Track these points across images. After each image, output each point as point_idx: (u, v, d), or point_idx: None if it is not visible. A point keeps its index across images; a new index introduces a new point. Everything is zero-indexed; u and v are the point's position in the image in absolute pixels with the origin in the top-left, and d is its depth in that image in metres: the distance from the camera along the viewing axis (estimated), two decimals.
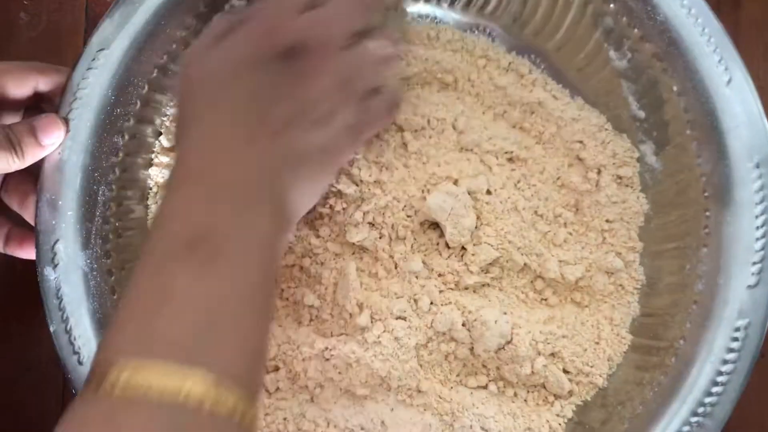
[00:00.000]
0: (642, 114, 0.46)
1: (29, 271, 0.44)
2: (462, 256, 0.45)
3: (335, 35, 0.41)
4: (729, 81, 0.42)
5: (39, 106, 0.46)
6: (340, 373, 0.43)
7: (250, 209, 0.37)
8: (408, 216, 0.45)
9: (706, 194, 0.43)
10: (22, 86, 0.45)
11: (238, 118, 0.39)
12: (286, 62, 0.39)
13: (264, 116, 0.39)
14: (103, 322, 0.43)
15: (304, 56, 0.40)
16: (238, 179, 0.37)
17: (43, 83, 0.45)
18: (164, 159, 0.47)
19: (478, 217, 0.44)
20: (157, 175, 0.47)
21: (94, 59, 0.44)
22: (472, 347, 0.44)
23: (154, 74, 0.46)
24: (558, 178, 0.46)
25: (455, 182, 0.45)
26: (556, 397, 0.45)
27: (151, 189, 0.48)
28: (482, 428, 0.43)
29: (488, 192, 0.45)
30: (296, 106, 0.39)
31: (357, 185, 0.44)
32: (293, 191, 0.39)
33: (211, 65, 0.40)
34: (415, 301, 0.44)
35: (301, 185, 0.40)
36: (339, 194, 0.44)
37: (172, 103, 0.47)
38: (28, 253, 0.46)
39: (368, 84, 0.42)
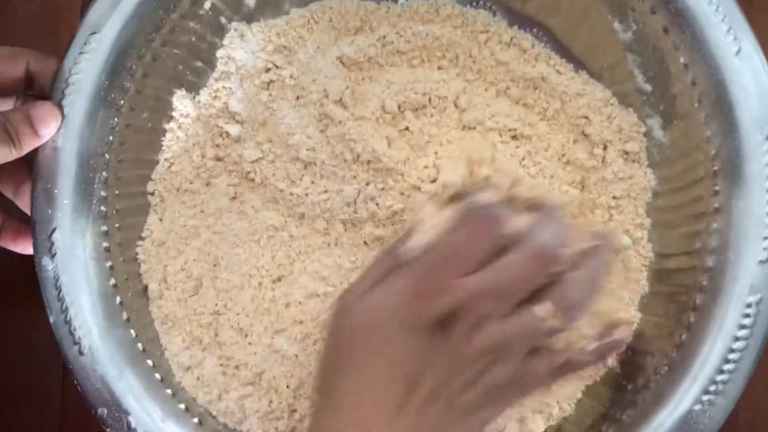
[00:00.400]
0: (648, 87, 0.45)
1: (21, 257, 0.44)
2: None
3: (500, 307, 0.37)
4: (738, 51, 0.41)
5: (28, 93, 0.45)
6: None
7: None
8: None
9: (715, 168, 0.42)
10: (14, 66, 0.43)
11: (383, 385, 0.37)
12: (442, 329, 0.37)
13: (411, 386, 0.36)
14: (102, 311, 0.43)
15: (461, 324, 0.36)
16: None
17: (34, 62, 0.44)
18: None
19: None
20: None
21: (86, 43, 0.43)
22: None
23: (148, 57, 0.45)
24: (563, 155, 0.45)
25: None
26: None
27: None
28: None
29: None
30: (445, 375, 0.36)
31: None
32: None
33: (364, 313, 0.38)
34: None
35: None
36: None
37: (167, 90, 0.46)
38: (22, 247, 0.45)
39: (524, 349, 0.38)
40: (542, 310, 0.37)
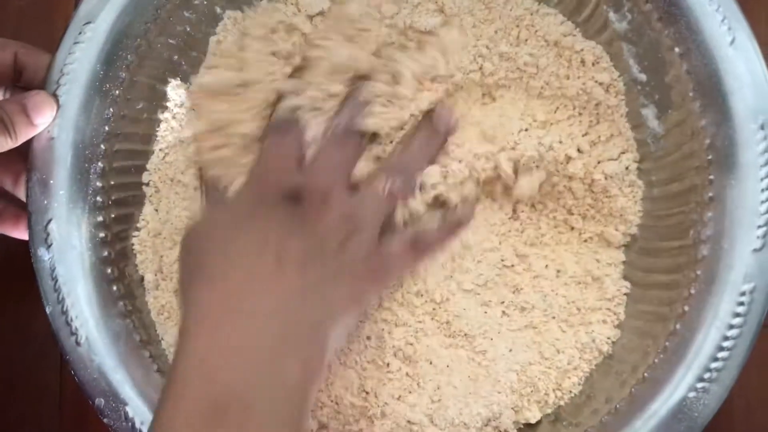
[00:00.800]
0: (643, 77, 0.45)
1: (23, 244, 0.44)
2: None
3: (331, 181, 0.42)
4: (732, 41, 0.41)
5: (16, 86, 0.45)
6: None
7: (276, 362, 0.35)
8: None
9: (709, 157, 0.42)
10: (1, 56, 0.43)
11: (252, 261, 0.38)
12: (292, 205, 0.40)
13: (280, 254, 0.38)
14: (99, 302, 0.43)
15: (309, 200, 0.41)
16: (260, 328, 0.36)
17: (23, 54, 0.44)
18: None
19: None
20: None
21: (80, 33, 0.43)
22: None
23: (143, 47, 0.45)
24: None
25: None
26: None
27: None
28: None
29: None
30: (309, 241, 0.39)
31: None
32: (321, 332, 0.38)
33: (214, 218, 0.41)
34: None
35: (329, 325, 0.38)
36: None
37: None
38: (22, 233, 0.45)
39: (373, 223, 0.42)
40: (381, 181, 0.43)
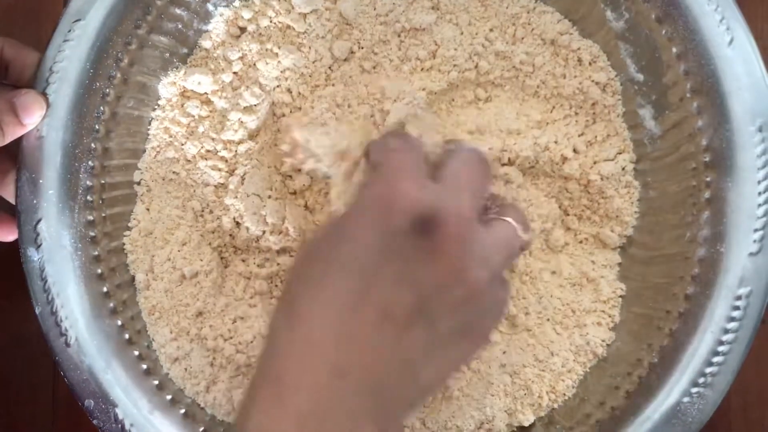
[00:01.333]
0: (641, 77, 0.44)
1: (13, 245, 0.43)
2: None
3: (471, 207, 0.35)
4: (731, 41, 0.41)
5: (3, 82, 0.44)
6: None
7: None
8: None
9: (706, 159, 0.42)
10: None
11: (354, 304, 0.32)
12: (420, 234, 0.32)
13: (387, 306, 0.32)
14: (89, 302, 0.43)
15: (440, 228, 0.33)
16: (341, 392, 0.31)
17: (8, 49, 0.43)
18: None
19: None
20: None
21: (70, 31, 0.42)
22: None
23: (134, 45, 0.44)
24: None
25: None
26: None
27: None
28: None
29: None
30: (428, 292, 0.32)
31: None
32: (401, 403, 0.33)
33: (330, 229, 0.35)
34: None
35: (411, 394, 0.33)
36: None
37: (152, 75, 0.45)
38: (5, 235, 0.45)
39: (503, 269, 0.36)
40: (512, 221, 0.36)
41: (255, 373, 0.34)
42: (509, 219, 0.37)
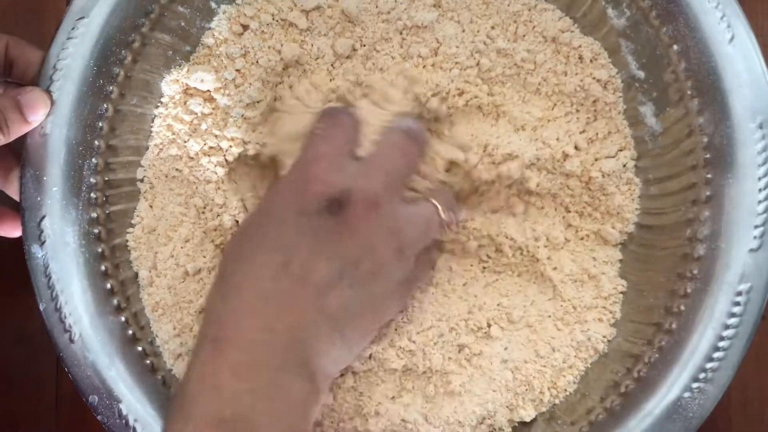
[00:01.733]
0: (642, 74, 0.44)
1: (17, 241, 0.43)
2: None
3: (384, 187, 0.39)
4: (731, 39, 0.41)
5: (7, 80, 0.44)
6: None
7: (281, 382, 0.35)
8: None
9: (707, 156, 0.42)
10: None
11: (277, 273, 0.37)
12: (332, 215, 0.37)
13: (306, 274, 0.36)
14: (93, 299, 0.43)
15: (349, 208, 0.37)
16: (270, 346, 0.36)
17: (13, 47, 0.43)
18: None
19: None
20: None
21: (73, 28, 0.42)
22: None
23: (137, 42, 0.44)
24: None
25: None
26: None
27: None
28: None
29: None
30: (340, 264, 0.37)
31: None
32: (328, 356, 0.37)
33: (256, 213, 0.40)
34: None
35: (337, 349, 0.38)
36: None
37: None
38: (8, 231, 0.45)
39: (417, 245, 0.40)
40: (425, 205, 0.41)
41: (195, 340, 0.39)
42: (433, 199, 0.41)
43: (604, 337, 0.45)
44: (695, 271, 0.42)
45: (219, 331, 0.36)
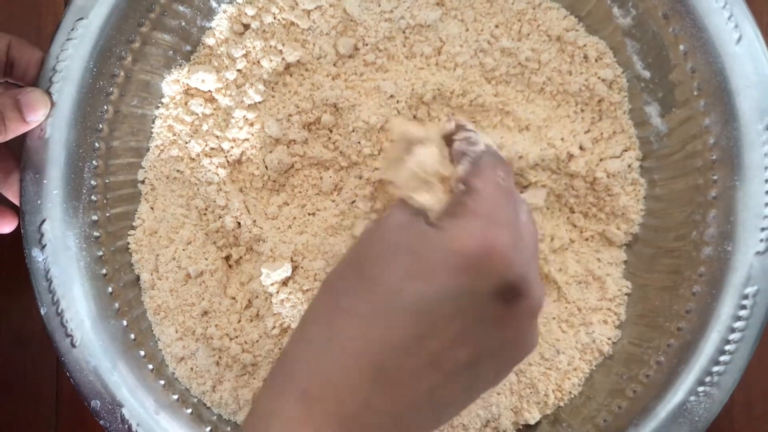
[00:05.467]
0: (647, 74, 0.44)
1: (18, 245, 0.43)
2: None
3: (536, 273, 0.33)
4: (739, 39, 0.40)
5: (7, 81, 0.44)
6: None
7: None
8: None
9: (713, 157, 0.41)
10: None
11: (410, 346, 0.30)
12: (503, 303, 0.31)
13: (438, 360, 0.31)
14: (94, 302, 0.43)
15: (524, 301, 0.31)
16: (358, 426, 0.30)
17: (15, 46, 0.43)
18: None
19: None
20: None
21: (72, 29, 0.42)
22: None
23: (137, 42, 0.44)
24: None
25: None
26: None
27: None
28: None
29: None
30: (480, 354, 0.31)
31: None
32: None
33: (402, 255, 0.31)
34: None
35: (428, 428, 0.33)
36: None
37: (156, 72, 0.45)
38: (3, 227, 0.45)
39: None
40: None
41: (276, 368, 0.32)
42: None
43: (609, 339, 0.45)
44: (701, 274, 0.41)
45: (309, 386, 0.31)
